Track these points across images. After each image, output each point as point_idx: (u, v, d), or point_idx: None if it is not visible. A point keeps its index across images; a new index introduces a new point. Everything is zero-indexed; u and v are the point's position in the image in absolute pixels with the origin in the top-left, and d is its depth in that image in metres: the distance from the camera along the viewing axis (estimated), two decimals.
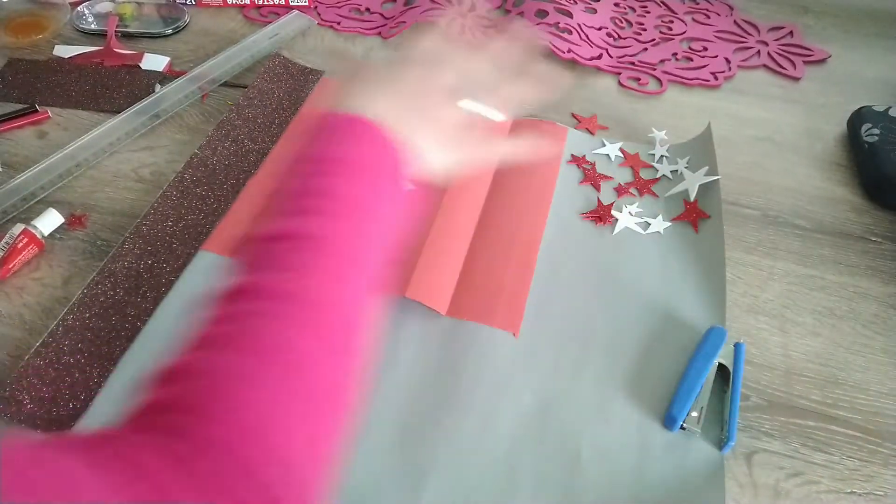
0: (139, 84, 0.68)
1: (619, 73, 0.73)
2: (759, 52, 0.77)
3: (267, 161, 0.60)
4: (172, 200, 0.56)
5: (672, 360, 0.47)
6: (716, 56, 0.76)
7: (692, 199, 0.57)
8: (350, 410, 0.29)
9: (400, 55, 0.40)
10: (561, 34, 0.75)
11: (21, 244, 0.51)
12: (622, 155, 0.63)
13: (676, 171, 0.61)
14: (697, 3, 0.85)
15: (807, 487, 0.42)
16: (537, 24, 0.75)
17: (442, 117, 0.38)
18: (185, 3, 0.80)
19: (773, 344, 0.49)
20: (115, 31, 0.73)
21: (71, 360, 0.46)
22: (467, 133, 0.39)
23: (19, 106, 0.65)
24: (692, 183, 0.58)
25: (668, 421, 0.44)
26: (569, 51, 0.73)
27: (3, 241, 0.51)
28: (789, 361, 0.48)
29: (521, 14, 0.79)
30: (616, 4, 0.83)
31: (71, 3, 0.77)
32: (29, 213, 0.55)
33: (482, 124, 0.40)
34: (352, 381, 0.29)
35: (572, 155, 0.62)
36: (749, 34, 0.80)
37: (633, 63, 0.75)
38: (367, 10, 0.81)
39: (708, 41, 0.78)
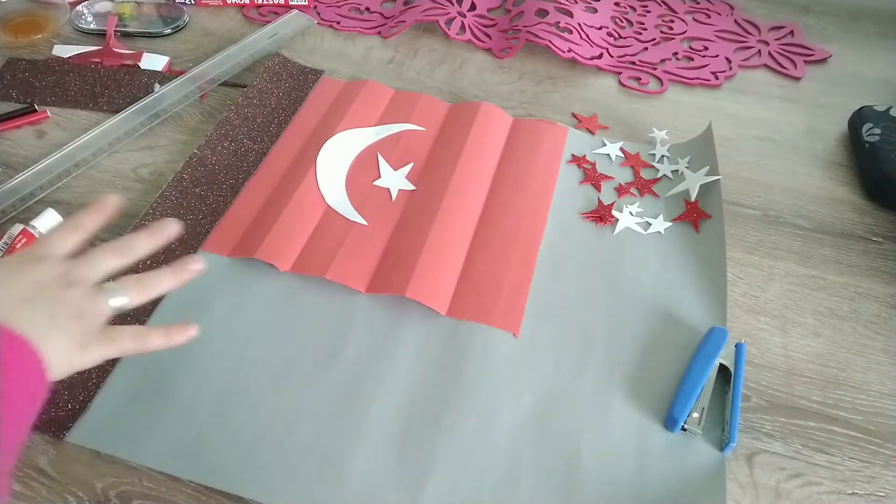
0: (138, 84, 0.68)
1: (620, 73, 0.73)
2: (759, 51, 0.77)
3: (266, 161, 0.60)
4: (171, 200, 0.56)
5: (673, 360, 0.47)
6: (716, 55, 0.76)
7: (693, 198, 0.57)
8: None
9: (24, 254, 0.35)
10: (561, 34, 0.75)
11: (20, 244, 0.51)
12: (623, 155, 0.62)
13: (677, 170, 0.60)
14: (698, 3, 0.84)
15: (808, 488, 0.42)
16: (537, 24, 0.75)
17: (78, 310, 0.33)
18: (185, 3, 0.79)
19: (773, 344, 0.49)
20: (115, 31, 0.73)
21: None
22: (99, 325, 0.35)
23: (18, 106, 0.65)
24: (693, 183, 0.58)
25: (669, 422, 0.44)
26: (569, 50, 0.73)
27: (2, 241, 0.51)
28: (790, 362, 0.48)
29: (521, 13, 0.79)
30: (616, 4, 0.83)
31: (70, 3, 0.77)
32: (28, 213, 0.55)
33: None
34: None
35: (573, 155, 0.62)
36: (750, 34, 0.80)
37: (633, 62, 0.75)
38: (367, 9, 0.81)
39: (708, 41, 0.78)
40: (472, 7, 0.81)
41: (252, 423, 0.43)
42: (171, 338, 0.38)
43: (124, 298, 0.36)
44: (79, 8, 0.77)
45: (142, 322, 0.48)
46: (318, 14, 0.79)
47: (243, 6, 0.80)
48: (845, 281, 0.54)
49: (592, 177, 0.60)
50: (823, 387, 0.47)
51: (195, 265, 0.39)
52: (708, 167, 0.58)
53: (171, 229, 0.39)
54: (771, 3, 0.84)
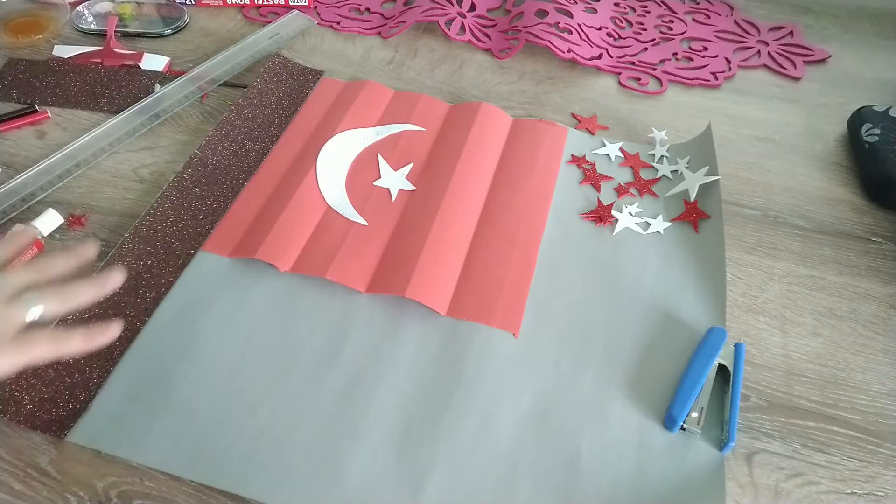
0: (139, 84, 0.68)
1: (620, 73, 0.73)
2: (759, 51, 0.77)
3: (266, 161, 0.60)
4: (172, 201, 0.56)
5: (672, 360, 0.47)
6: (716, 56, 0.76)
7: (692, 199, 0.57)
8: None
9: None
10: (561, 34, 0.75)
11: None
12: (622, 155, 0.63)
13: (677, 171, 0.61)
14: (698, 3, 0.85)
15: (807, 488, 0.42)
16: (537, 24, 0.75)
17: None
18: (185, 3, 0.80)
19: (773, 344, 0.49)
20: (115, 31, 0.73)
21: (71, 360, 0.45)
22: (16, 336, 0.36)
23: (19, 106, 0.65)
24: (692, 183, 0.58)
25: (668, 421, 0.44)
26: (569, 51, 0.73)
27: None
28: (789, 362, 0.48)
29: (520, 14, 0.79)
30: (616, 4, 0.83)
31: (70, 3, 0.77)
32: (28, 213, 0.55)
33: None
34: None
35: (572, 155, 0.62)
36: (749, 34, 0.80)
37: (633, 63, 0.75)
38: (367, 9, 0.81)
39: (708, 41, 0.78)
40: (472, 7, 0.81)
41: (252, 423, 0.43)
42: (91, 340, 0.38)
43: (40, 308, 0.37)
44: (79, 8, 0.77)
45: (142, 323, 0.48)
46: (319, 14, 0.79)
47: (243, 6, 0.80)
48: (844, 281, 0.54)
49: (592, 177, 0.60)
50: (822, 387, 0.47)
51: (116, 276, 0.40)
52: (707, 167, 0.58)
53: (88, 251, 0.41)
54: (770, 4, 0.85)
